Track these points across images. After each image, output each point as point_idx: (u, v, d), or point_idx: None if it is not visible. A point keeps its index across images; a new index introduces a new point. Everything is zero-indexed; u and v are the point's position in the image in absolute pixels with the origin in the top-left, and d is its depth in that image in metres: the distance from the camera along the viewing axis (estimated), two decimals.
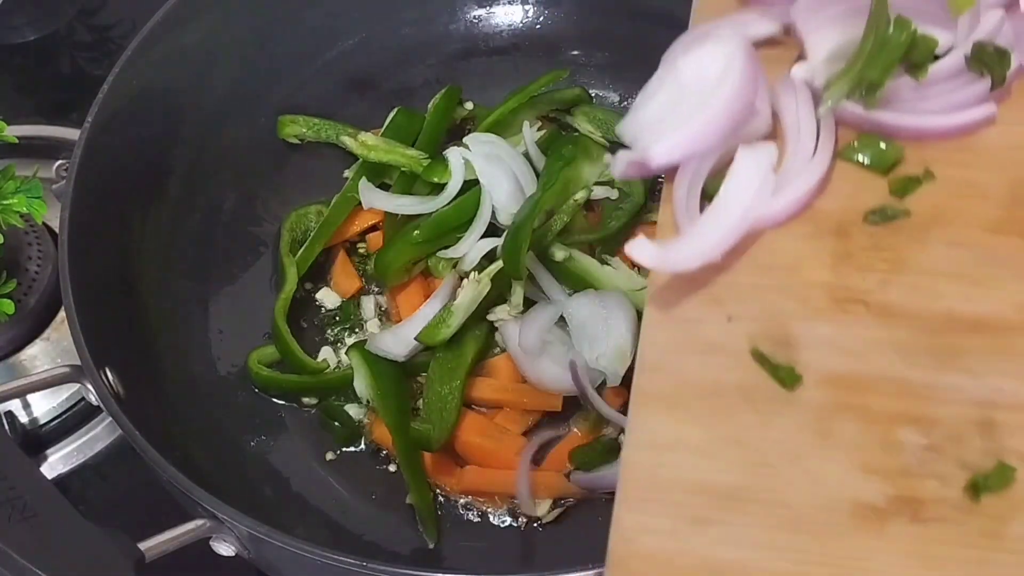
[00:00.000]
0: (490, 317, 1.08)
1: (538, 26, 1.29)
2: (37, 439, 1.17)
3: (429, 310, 1.08)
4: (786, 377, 0.65)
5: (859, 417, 0.63)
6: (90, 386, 0.93)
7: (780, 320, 0.66)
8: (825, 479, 0.62)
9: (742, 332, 0.66)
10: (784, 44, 0.79)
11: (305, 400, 1.11)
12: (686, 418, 0.64)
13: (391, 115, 1.23)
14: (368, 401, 1.08)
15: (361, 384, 1.08)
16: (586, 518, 1.03)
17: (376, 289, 1.17)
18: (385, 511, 1.05)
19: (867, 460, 0.62)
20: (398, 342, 1.07)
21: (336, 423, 1.08)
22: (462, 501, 1.05)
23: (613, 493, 1.00)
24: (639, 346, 0.67)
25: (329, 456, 1.09)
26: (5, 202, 1.05)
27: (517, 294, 1.06)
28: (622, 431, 1.05)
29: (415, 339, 1.06)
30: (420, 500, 1.03)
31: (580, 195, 1.08)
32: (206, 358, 1.12)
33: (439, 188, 1.14)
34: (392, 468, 1.07)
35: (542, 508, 1.03)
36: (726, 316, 0.67)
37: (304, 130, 1.22)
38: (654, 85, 0.73)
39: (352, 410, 1.09)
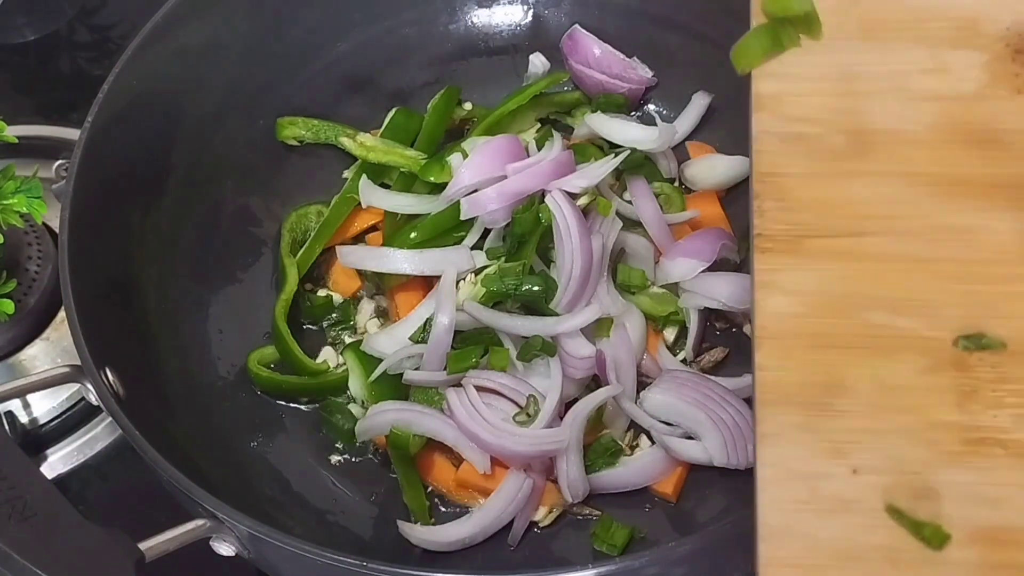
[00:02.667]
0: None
1: (538, 26, 1.29)
2: (37, 439, 1.18)
3: (424, 311, 1.08)
4: (931, 536, 0.60)
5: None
6: (90, 386, 0.93)
7: (912, 469, 0.62)
8: None
9: (873, 485, 0.62)
10: None
11: (305, 401, 1.11)
12: None
13: (390, 115, 1.23)
14: (363, 401, 1.08)
15: (355, 384, 1.08)
16: (584, 520, 1.03)
17: (375, 290, 1.17)
18: (385, 511, 1.05)
19: None
20: (393, 343, 1.08)
21: (336, 423, 1.08)
22: (459, 501, 1.05)
23: (613, 493, 1.02)
24: (759, 504, 0.62)
25: (329, 456, 1.09)
26: (5, 202, 1.05)
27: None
28: (624, 431, 1.06)
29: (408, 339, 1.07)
30: (414, 501, 1.03)
31: (581, 201, 1.08)
32: (206, 358, 1.12)
33: (439, 188, 1.14)
34: (392, 468, 1.07)
35: (540, 513, 1.03)
36: (851, 468, 0.62)
37: (303, 132, 1.22)
38: None
39: (353, 409, 1.09)
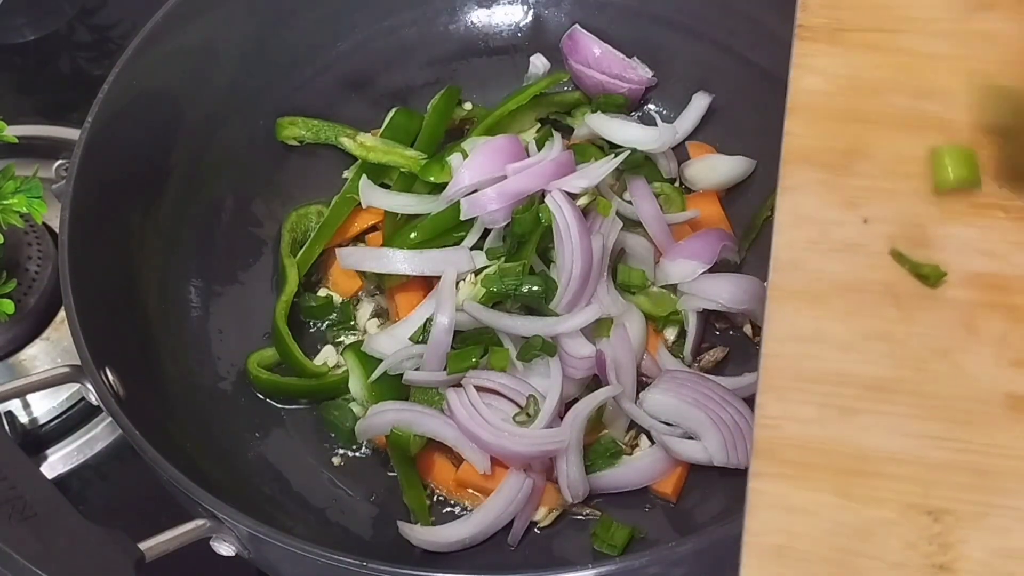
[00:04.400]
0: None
1: (538, 26, 1.29)
2: (37, 439, 1.18)
3: (424, 311, 1.08)
4: (930, 274, 0.66)
5: (1007, 316, 0.65)
6: (90, 386, 0.93)
7: (918, 222, 0.68)
8: (975, 372, 0.63)
9: (880, 233, 0.68)
10: None
11: (304, 402, 1.11)
12: (827, 313, 0.66)
13: (390, 115, 1.23)
14: (364, 402, 1.08)
15: (356, 385, 1.08)
16: (584, 520, 1.03)
17: (375, 290, 1.17)
18: (385, 511, 1.05)
19: (1018, 356, 0.64)
20: (393, 343, 1.08)
21: (337, 421, 1.08)
22: (458, 501, 1.05)
23: (613, 493, 1.02)
24: (773, 245, 0.69)
25: (329, 456, 1.09)
26: (5, 202, 1.05)
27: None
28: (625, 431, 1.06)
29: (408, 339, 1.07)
30: (414, 500, 1.03)
31: (581, 201, 1.08)
32: (206, 358, 1.12)
33: (439, 188, 1.14)
34: (392, 468, 1.07)
35: (540, 513, 1.03)
36: (862, 218, 0.68)
37: (303, 132, 1.22)
38: None
39: (354, 408, 1.09)
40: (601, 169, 1.09)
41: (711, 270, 1.08)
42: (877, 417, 0.63)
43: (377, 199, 1.16)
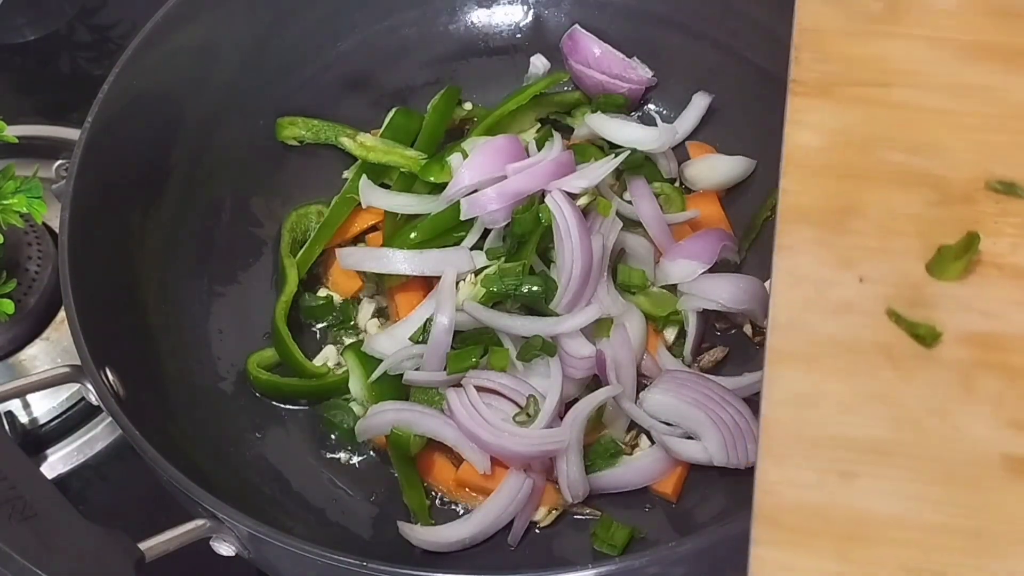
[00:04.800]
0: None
1: (538, 26, 1.29)
2: (37, 439, 1.18)
3: (424, 311, 1.08)
4: (926, 334, 0.66)
5: (1003, 375, 0.65)
6: (90, 386, 0.93)
7: (913, 282, 0.68)
8: (972, 433, 0.63)
9: (875, 294, 0.68)
10: None
11: (304, 403, 1.11)
12: (825, 374, 0.66)
13: (390, 115, 1.23)
14: (364, 402, 1.08)
15: (356, 385, 1.08)
16: (584, 520, 1.03)
17: (375, 290, 1.17)
18: (385, 511, 1.05)
19: (1014, 416, 0.64)
20: (393, 343, 1.08)
21: (337, 421, 1.08)
22: (458, 501, 1.05)
23: (613, 493, 1.02)
24: (771, 305, 0.69)
25: (329, 456, 1.09)
26: (5, 202, 1.05)
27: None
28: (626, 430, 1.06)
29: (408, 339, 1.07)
30: (414, 501, 1.03)
31: (581, 201, 1.08)
32: (206, 358, 1.12)
33: (439, 188, 1.14)
34: (392, 468, 1.07)
35: (540, 513, 1.03)
36: (858, 277, 0.68)
37: (303, 132, 1.22)
38: None
39: (354, 407, 1.09)
40: (601, 169, 1.09)
41: (711, 270, 1.08)
42: (876, 481, 0.63)
43: (377, 199, 1.16)
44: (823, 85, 0.75)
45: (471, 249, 1.10)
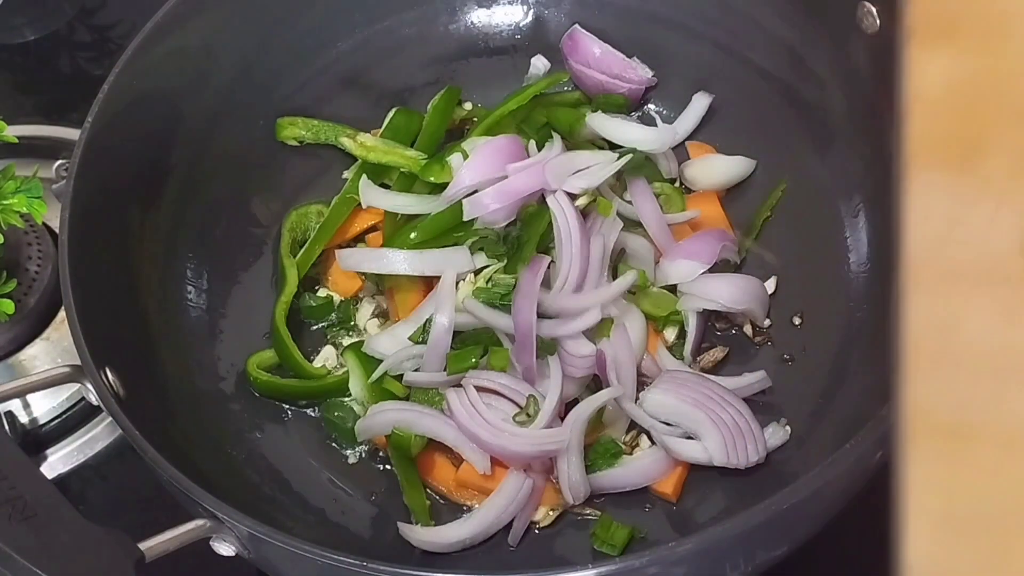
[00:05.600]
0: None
1: (538, 26, 1.29)
2: (37, 439, 1.18)
3: (424, 312, 1.08)
4: None
5: None
6: (90, 386, 0.93)
7: None
8: None
9: (1010, 224, 0.66)
10: None
11: (304, 404, 1.11)
12: (965, 299, 0.65)
13: (390, 115, 1.23)
14: (364, 402, 1.08)
15: (356, 385, 1.08)
16: (584, 520, 1.03)
17: (375, 290, 1.17)
18: (385, 511, 1.05)
19: None
20: (393, 343, 1.08)
21: (337, 420, 1.08)
22: (459, 501, 1.05)
23: (613, 493, 1.02)
24: (903, 241, 0.68)
25: (329, 456, 1.09)
26: (5, 202, 1.05)
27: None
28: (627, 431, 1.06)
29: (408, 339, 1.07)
30: (414, 501, 1.03)
31: (581, 201, 1.08)
32: (206, 358, 1.12)
33: (439, 188, 1.14)
34: (392, 468, 1.07)
35: (540, 513, 1.03)
36: (989, 214, 0.68)
37: (303, 132, 1.22)
38: None
39: (354, 407, 1.09)
40: (603, 171, 1.09)
41: (711, 270, 1.08)
42: None
43: (377, 199, 1.16)
44: (943, 26, 0.72)
45: (471, 249, 1.10)
